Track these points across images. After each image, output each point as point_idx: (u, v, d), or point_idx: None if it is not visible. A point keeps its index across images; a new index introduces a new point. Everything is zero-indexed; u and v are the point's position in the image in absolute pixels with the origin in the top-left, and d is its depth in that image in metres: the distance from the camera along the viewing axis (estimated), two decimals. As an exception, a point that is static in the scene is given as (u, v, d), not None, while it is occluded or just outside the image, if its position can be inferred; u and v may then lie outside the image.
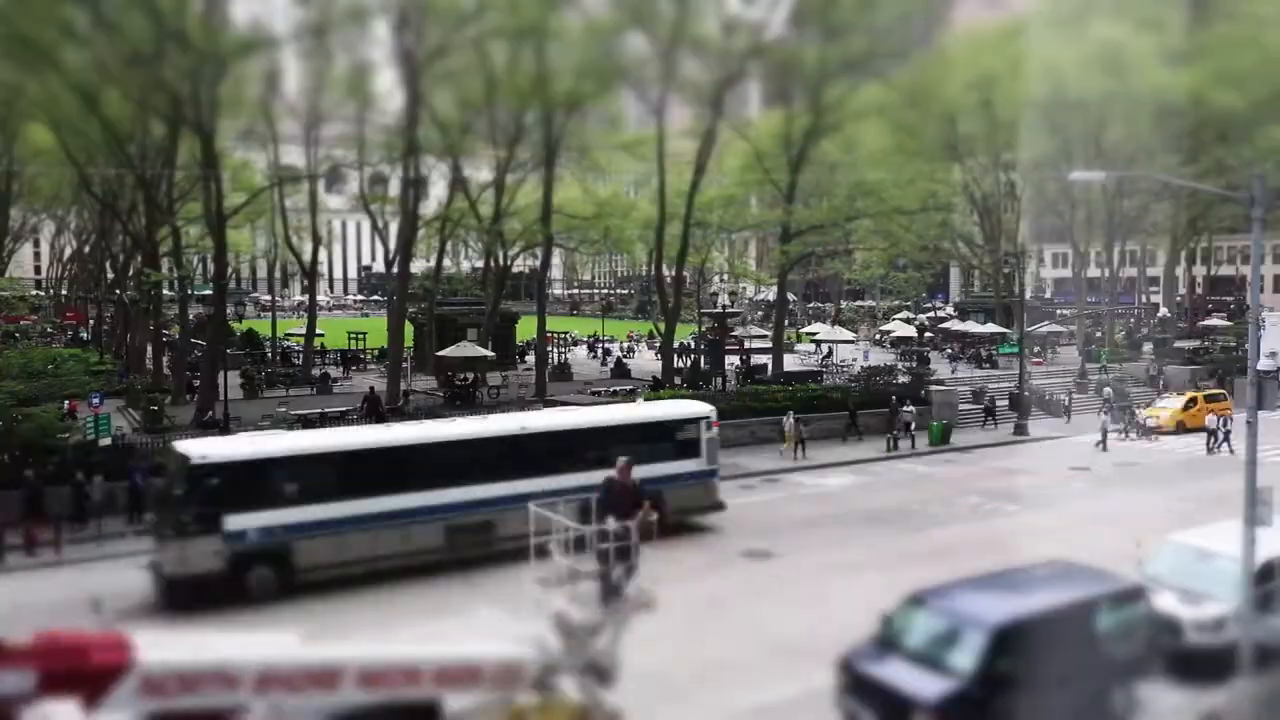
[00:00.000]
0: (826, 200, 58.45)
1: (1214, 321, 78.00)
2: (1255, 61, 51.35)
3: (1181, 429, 43.41)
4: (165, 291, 57.37)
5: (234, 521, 21.63)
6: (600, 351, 71.70)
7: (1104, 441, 40.47)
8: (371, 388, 41.26)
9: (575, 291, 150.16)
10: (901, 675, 14.09)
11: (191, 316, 53.25)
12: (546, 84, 43.46)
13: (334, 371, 57.10)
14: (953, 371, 56.47)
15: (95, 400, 32.21)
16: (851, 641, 15.53)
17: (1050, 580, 16.21)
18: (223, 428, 34.47)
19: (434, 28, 41.75)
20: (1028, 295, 65.24)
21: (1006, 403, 46.49)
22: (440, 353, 49.02)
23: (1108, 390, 47.87)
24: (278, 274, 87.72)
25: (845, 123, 51.48)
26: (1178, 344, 64.69)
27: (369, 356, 63.48)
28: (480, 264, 67.61)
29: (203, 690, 10.98)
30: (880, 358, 63.06)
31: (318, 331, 63.38)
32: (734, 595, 21.54)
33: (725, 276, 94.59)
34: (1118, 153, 56.83)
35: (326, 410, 38.38)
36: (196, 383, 44.53)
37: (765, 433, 40.41)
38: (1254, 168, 26.33)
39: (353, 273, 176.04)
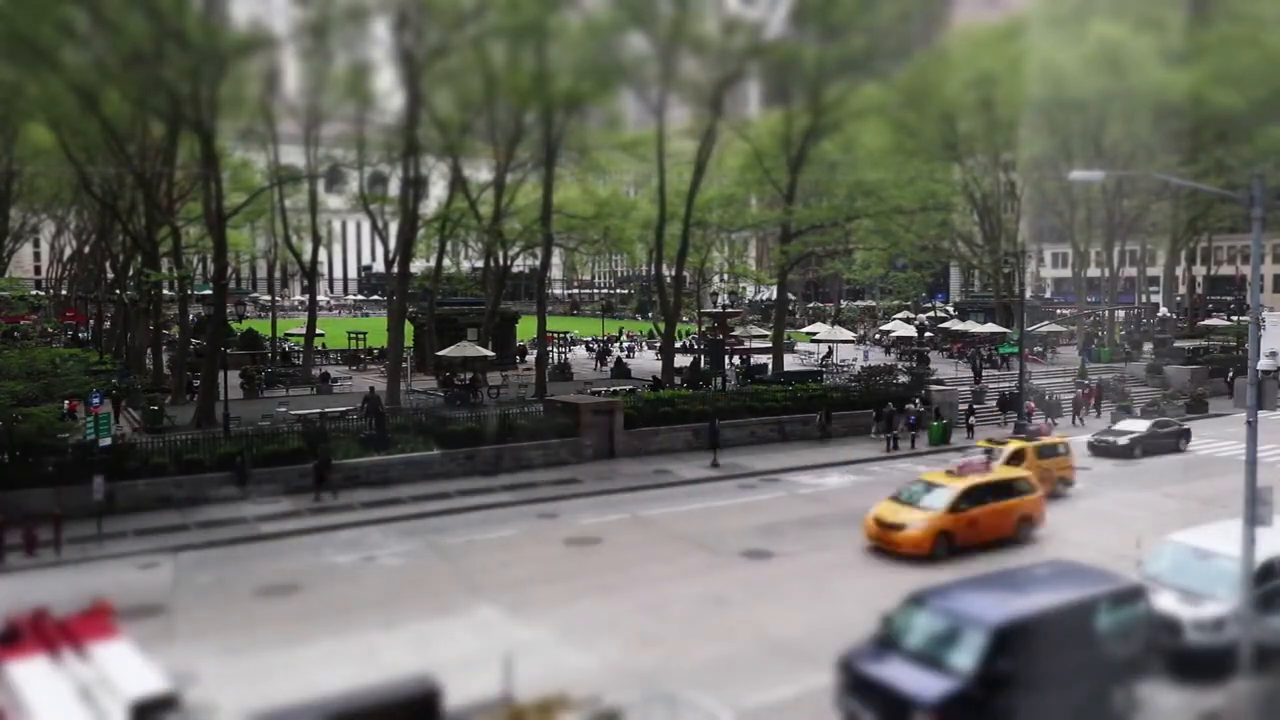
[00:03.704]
0: (826, 200, 58.50)
1: (1214, 321, 78.04)
2: (1255, 61, 51.34)
3: None
4: (165, 291, 57.40)
5: None
6: (600, 351, 71.69)
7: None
8: (371, 388, 41.27)
9: (575, 291, 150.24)
10: (901, 675, 14.09)
11: (191, 316, 53.25)
12: (546, 83, 43.44)
13: (336, 371, 57.09)
14: (950, 369, 56.42)
15: (95, 400, 32.18)
16: (851, 641, 15.54)
17: (1050, 580, 16.22)
18: (223, 428, 34.50)
19: (434, 27, 41.70)
20: (1028, 295, 65.26)
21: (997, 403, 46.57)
22: (440, 352, 49.04)
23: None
24: (278, 274, 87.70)
25: (845, 122, 51.50)
26: (1177, 344, 64.71)
27: (369, 357, 63.54)
28: (480, 264, 67.63)
29: None
30: (880, 357, 63.13)
31: (318, 331, 63.42)
32: (734, 595, 21.53)
33: (725, 276, 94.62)
34: (1117, 152, 56.85)
35: (327, 410, 38.39)
36: (196, 383, 44.54)
37: (765, 432, 40.55)
38: (1254, 168, 26.28)
39: (353, 273, 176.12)
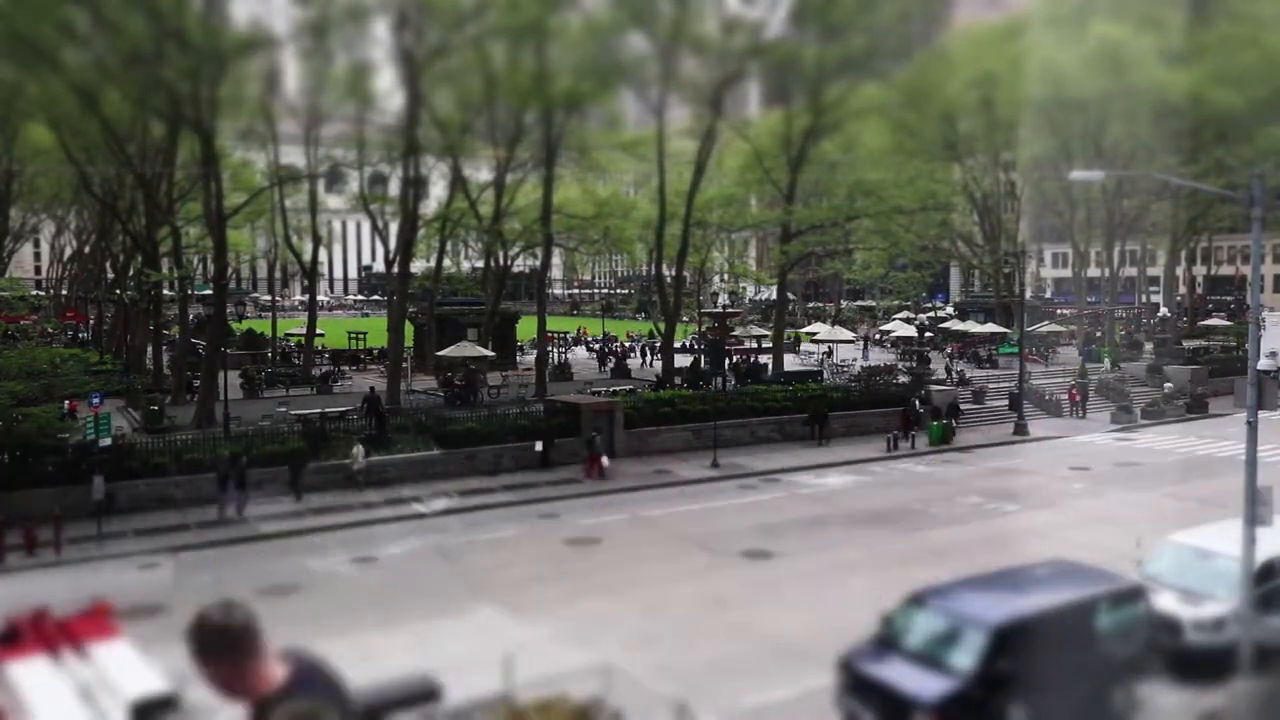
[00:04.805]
0: (826, 200, 58.52)
1: (1214, 321, 78.03)
2: (1255, 61, 51.34)
3: None
4: (165, 291, 57.40)
5: None
6: (601, 351, 71.49)
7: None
8: (371, 388, 41.25)
9: (575, 291, 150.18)
10: (901, 675, 14.08)
11: (191, 316, 53.27)
12: (546, 84, 43.46)
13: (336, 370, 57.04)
14: (952, 371, 56.36)
15: (95, 400, 32.20)
16: (851, 641, 15.53)
17: (1050, 580, 16.20)
18: (223, 428, 34.51)
19: (434, 27, 41.72)
20: (1028, 295, 65.24)
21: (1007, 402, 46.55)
22: (440, 352, 49.03)
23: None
24: (278, 274, 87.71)
25: (845, 122, 51.50)
26: (1177, 344, 64.69)
27: (369, 357, 63.54)
28: (480, 264, 67.64)
29: None
30: (880, 357, 63.13)
31: (318, 331, 63.41)
32: (734, 595, 21.53)
33: (725, 276, 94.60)
34: (1117, 152, 56.84)
35: (327, 410, 38.39)
36: (196, 383, 44.54)
37: (765, 432, 40.55)
38: (1254, 168, 26.28)
39: (353, 273, 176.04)
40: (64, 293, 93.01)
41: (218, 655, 4.09)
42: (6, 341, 56.66)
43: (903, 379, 47.58)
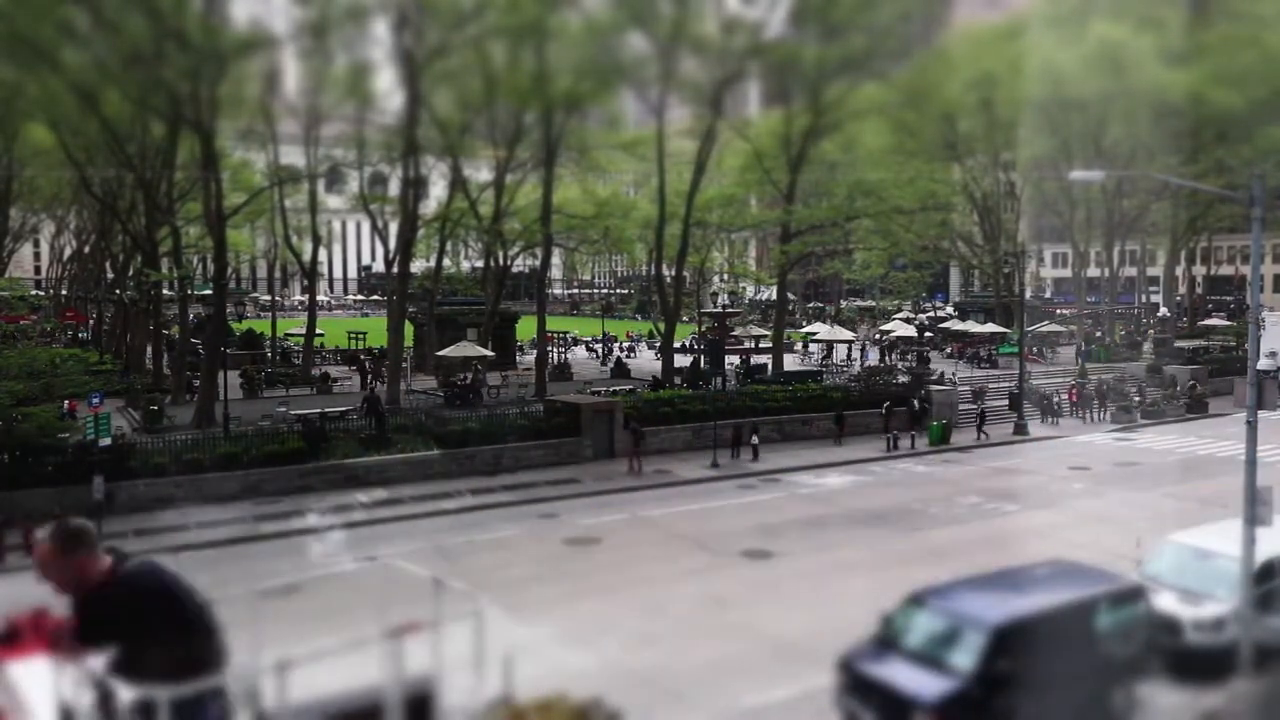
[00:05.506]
0: (826, 200, 58.49)
1: (1214, 321, 78.02)
2: (1255, 61, 51.37)
3: None
4: (165, 291, 57.39)
5: None
6: (601, 351, 71.59)
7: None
8: (372, 388, 41.26)
9: (575, 291, 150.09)
10: (901, 675, 14.07)
11: (191, 316, 53.28)
12: (546, 84, 43.47)
13: (336, 371, 56.96)
14: (953, 371, 56.32)
15: (95, 400, 32.18)
16: (851, 641, 15.52)
17: (1050, 580, 16.19)
18: (223, 428, 34.50)
19: (434, 27, 41.76)
20: (1028, 295, 65.23)
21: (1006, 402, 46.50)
22: (440, 352, 49.01)
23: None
24: (278, 274, 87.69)
25: (845, 122, 51.51)
26: (1178, 344, 64.68)
27: (369, 357, 63.49)
28: (480, 264, 67.63)
29: None
30: (877, 358, 63.12)
31: (318, 331, 63.37)
32: (734, 595, 21.52)
33: (725, 276, 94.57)
34: (1117, 152, 56.86)
35: (327, 410, 38.38)
36: (196, 383, 44.54)
37: (765, 432, 40.48)
38: (1254, 168, 26.27)
39: (353, 273, 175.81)
40: (64, 293, 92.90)
41: (75, 549, 5.34)
42: (6, 341, 56.64)
43: (902, 379, 47.58)
